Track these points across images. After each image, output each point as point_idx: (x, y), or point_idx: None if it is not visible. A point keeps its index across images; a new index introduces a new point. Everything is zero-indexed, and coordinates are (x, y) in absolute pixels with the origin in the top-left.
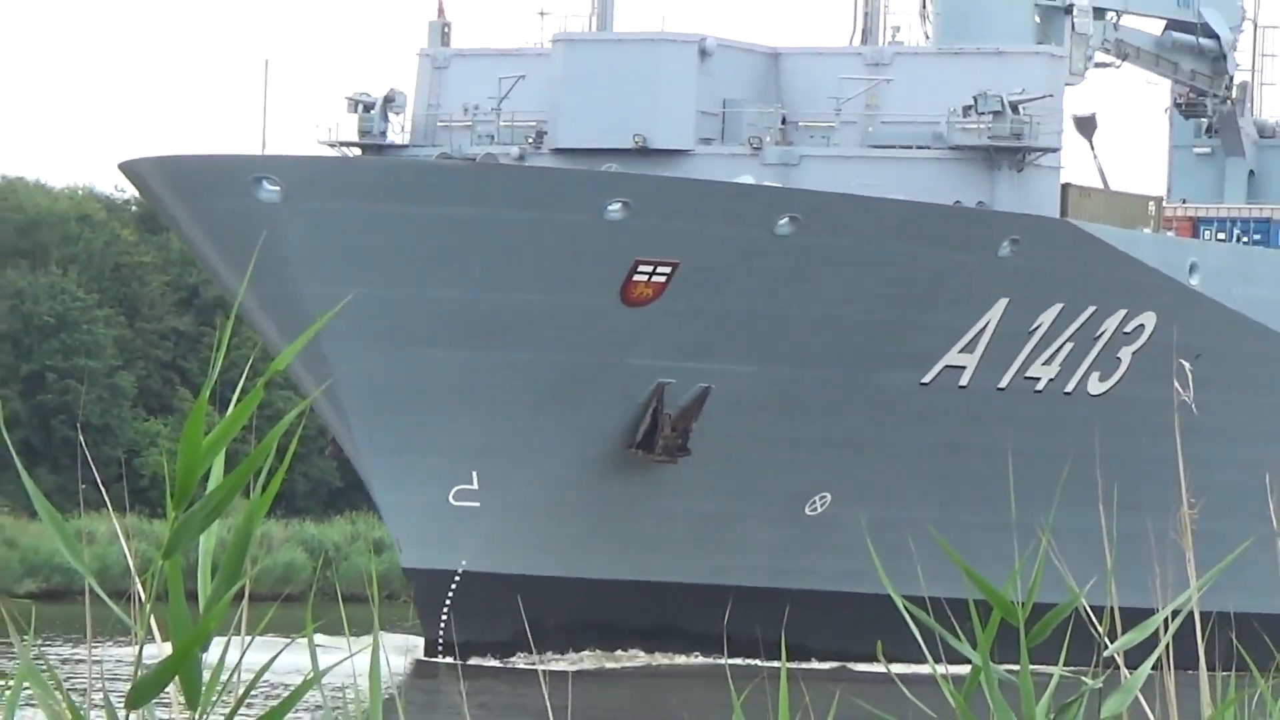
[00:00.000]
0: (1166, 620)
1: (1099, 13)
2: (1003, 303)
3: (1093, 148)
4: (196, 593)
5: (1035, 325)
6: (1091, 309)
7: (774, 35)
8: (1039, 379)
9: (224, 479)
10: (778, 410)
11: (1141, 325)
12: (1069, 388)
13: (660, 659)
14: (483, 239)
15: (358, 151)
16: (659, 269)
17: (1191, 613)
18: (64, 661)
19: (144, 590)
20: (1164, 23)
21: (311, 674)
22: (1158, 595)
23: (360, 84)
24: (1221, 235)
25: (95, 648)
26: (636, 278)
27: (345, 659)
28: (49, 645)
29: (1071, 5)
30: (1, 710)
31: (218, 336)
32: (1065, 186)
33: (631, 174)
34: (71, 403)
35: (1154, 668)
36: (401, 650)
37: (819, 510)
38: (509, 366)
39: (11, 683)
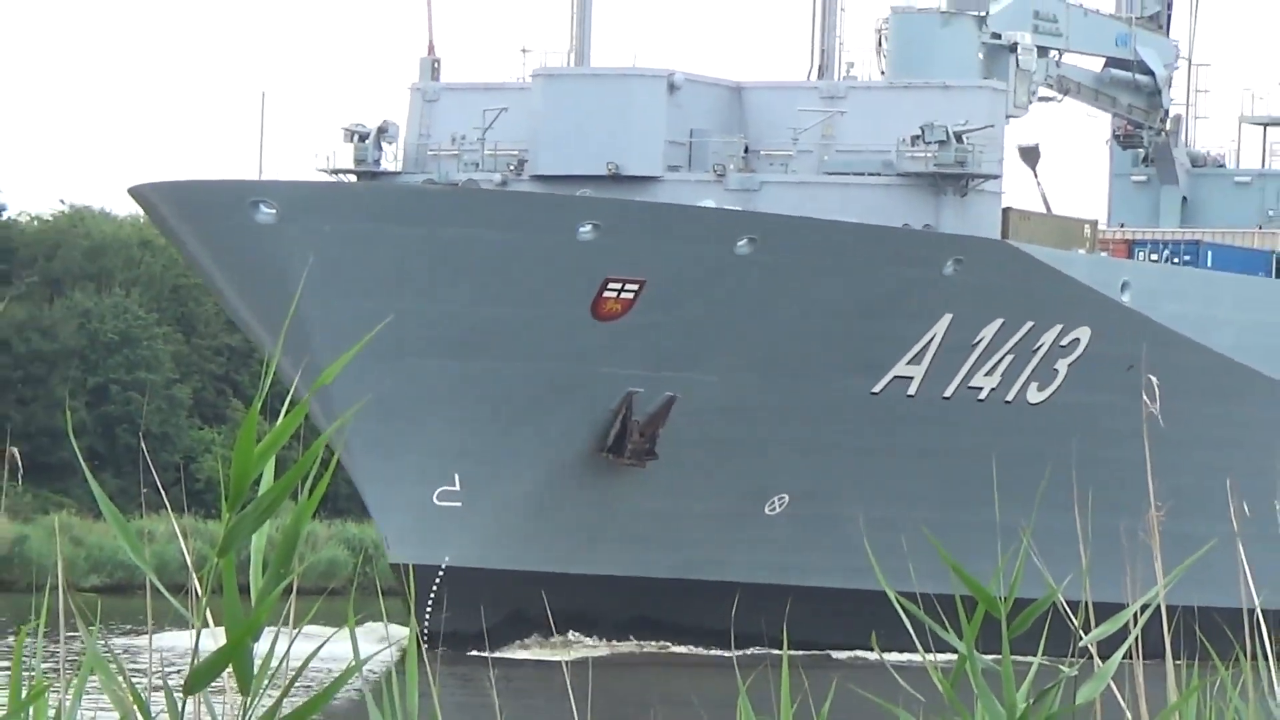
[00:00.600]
0: (1136, 614)
1: (1042, 51)
2: (947, 318)
3: (1036, 175)
4: (249, 587)
5: (978, 339)
6: (1030, 324)
7: (738, 70)
8: (981, 389)
9: (274, 484)
10: (739, 417)
11: (1077, 339)
12: (1009, 397)
13: (629, 647)
14: (464, 258)
15: (354, 178)
16: (627, 286)
17: (1159, 607)
18: (126, 650)
19: (200, 585)
20: (1103, 60)
21: (353, 662)
22: (1128, 591)
23: (355, 115)
24: (1154, 256)
25: (155, 637)
26: (606, 294)
27: (384, 649)
28: (112, 635)
29: (1016, 44)
30: (70, 694)
31: (268, 353)
32: (1006, 210)
33: (601, 198)
34: (133, 413)
35: (1125, 657)
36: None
37: (777, 510)
38: (489, 376)
39: (79, 670)
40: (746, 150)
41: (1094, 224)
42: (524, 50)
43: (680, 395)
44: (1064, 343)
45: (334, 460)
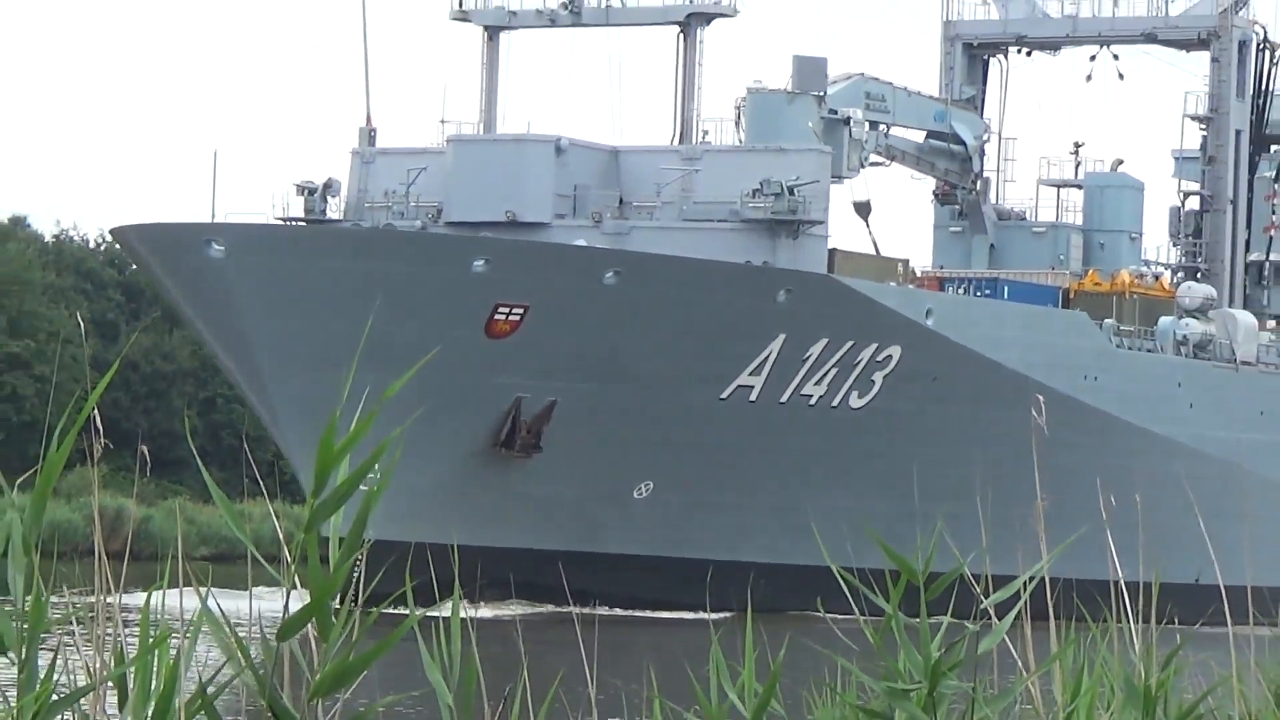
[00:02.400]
0: (1025, 583)
1: (872, 124)
2: (781, 337)
3: (868, 225)
4: (328, 557)
5: (807, 355)
6: (850, 343)
7: (614, 136)
8: (811, 396)
9: (348, 476)
10: (609, 418)
11: (890, 355)
12: (834, 403)
13: (520, 609)
14: (379, 287)
15: (303, 224)
16: (514, 310)
17: (1044, 578)
18: (230, 607)
19: (290, 555)
20: (925, 133)
21: (410, 616)
22: (1020, 565)
23: (303, 171)
24: (962, 290)
25: (254, 598)
26: (497, 317)
27: (430, 610)
28: (219, 595)
29: (849, 118)
30: (187, 640)
31: (349, 371)
32: (832, 250)
33: (491, 238)
34: (235, 420)
35: (1017, 618)
36: None
37: (644, 495)
38: (403, 384)
39: (193, 621)
40: (621, 201)
41: (905, 262)
42: (442, 121)
43: (560, 400)
44: (879, 359)
45: (395, 456)
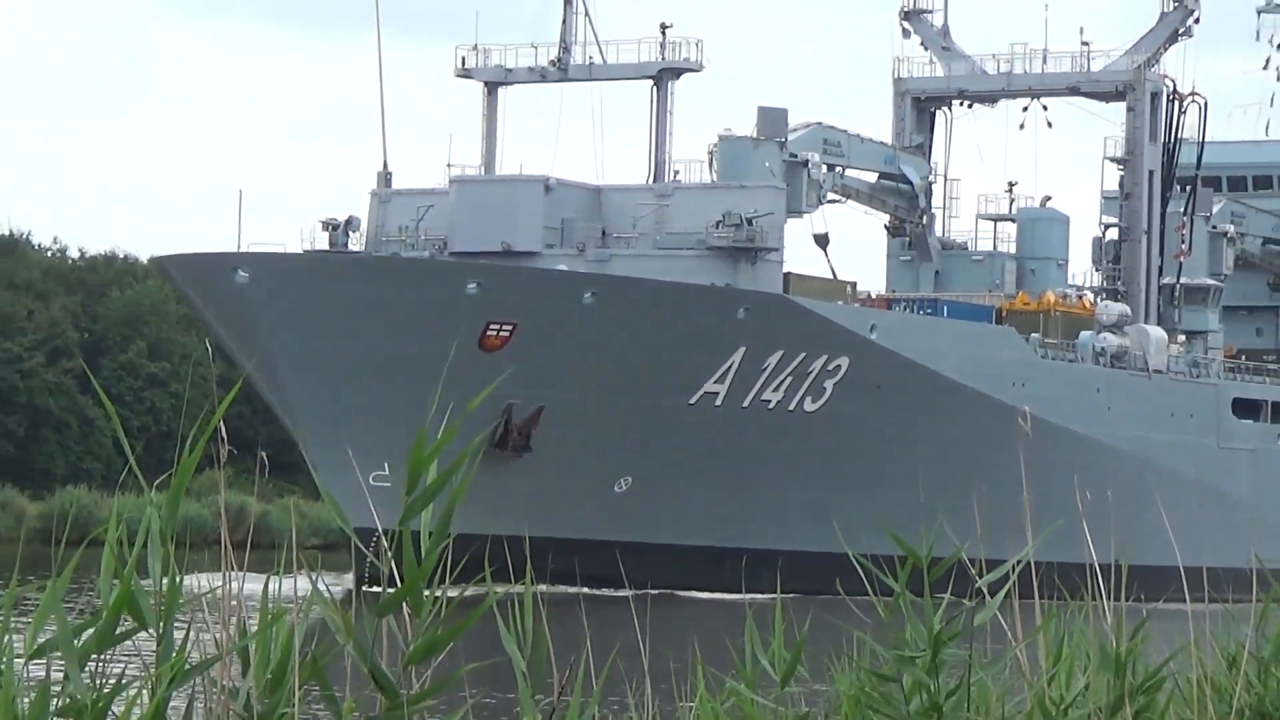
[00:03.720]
0: (1014, 566)
1: (830, 166)
2: (741, 350)
3: (826, 254)
4: (419, 546)
5: (765, 365)
6: (803, 354)
7: (596, 176)
8: (770, 401)
9: (435, 477)
10: (590, 421)
11: (839, 365)
12: (791, 407)
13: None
14: (388, 308)
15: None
16: (504, 327)
17: (1030, 562)
18: (334, 589)
19: (388, 544)
20: (876, 174)
21: (489, 595)
22: (1010, 550)
23: (323, 208)
24: (908, 310)
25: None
26: (489, 333)
27: (507, 590)
28: (327, 580)
29: (807, 161)
30: (301, 616)
31: (437, 389)
32: (787, 274)
33: (483, 264)
34: None
35: (1007, 595)
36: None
37: (624, 488)
38: (406, 393)
39: (306, 601)
40: (603, 233)
41: (853, 284)
42: (449, 165)
43: (547, 406)
44: (829, 368)
45: (477, 459)
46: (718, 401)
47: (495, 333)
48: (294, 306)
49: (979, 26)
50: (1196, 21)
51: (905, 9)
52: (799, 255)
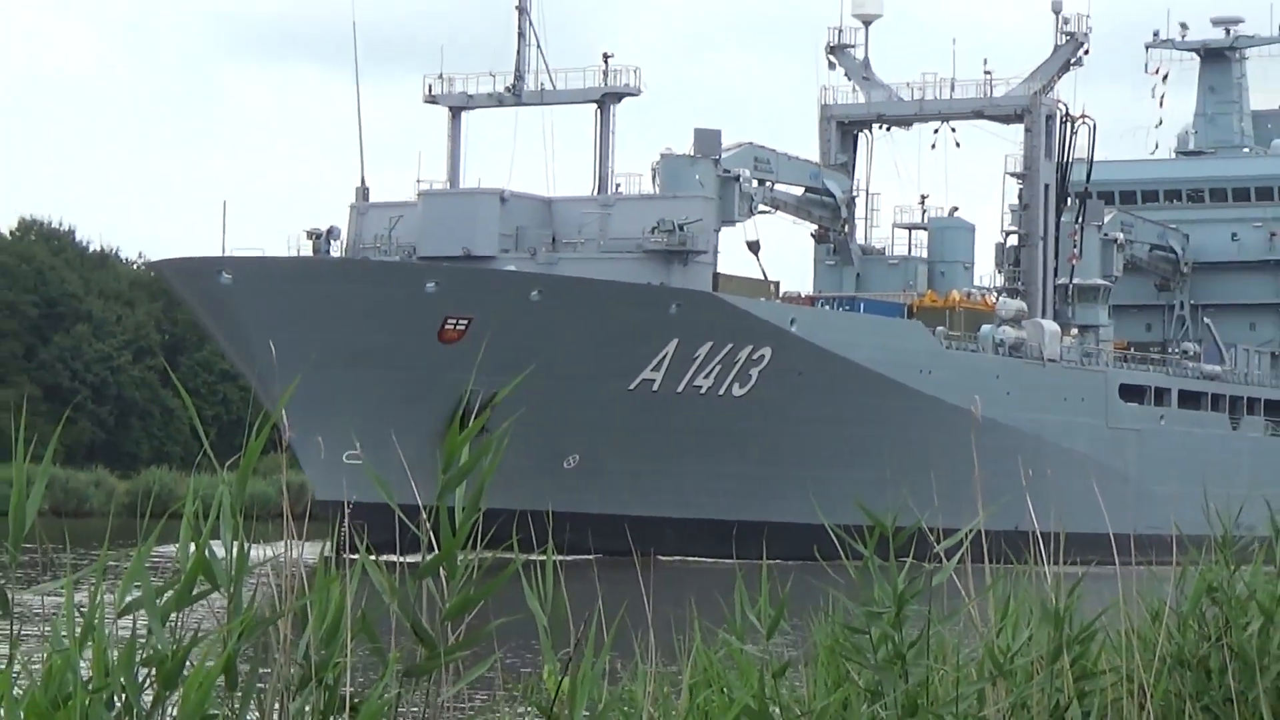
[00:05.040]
0: (967, 534)
1: (760, 181)
2: (674, 341)
3: (758, 259)
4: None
5: (696, 354)
6: (730, 345)
7: (547, 188)
8: (701, 386)
9: (468, 458)
10: (541, 405)
11: (763, 354)
12: (720, 391)
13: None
14: (356, 305)
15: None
16: (460, 321)
17: (980, 530)
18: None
19: (427, 517)
20: (803, 188)
21: (514, 560)
22: (965, 519)
23: (303, 216)
24: (828, 307)
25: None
26: (447, 327)
27: (531, 557)
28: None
29: (739, 176)
30: (353, 585)
31: (468, 385)
32: (716, 274)
33: (441, 266)
34: None
35: (961, 560)
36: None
37: (572, 465)
38: (375, 380)
39: (354, 568)
40: (553, 239)
41: (777, 284)
42: (418, 180)
43: (500, 392)
44: (754, 357)
45: (504, 443)
46: (654, 387)
47: (453, 326)
48: (273, 304)
49: (896, 59)
50: (1086, 53)
51: (831, 44)
52: (735, 259)
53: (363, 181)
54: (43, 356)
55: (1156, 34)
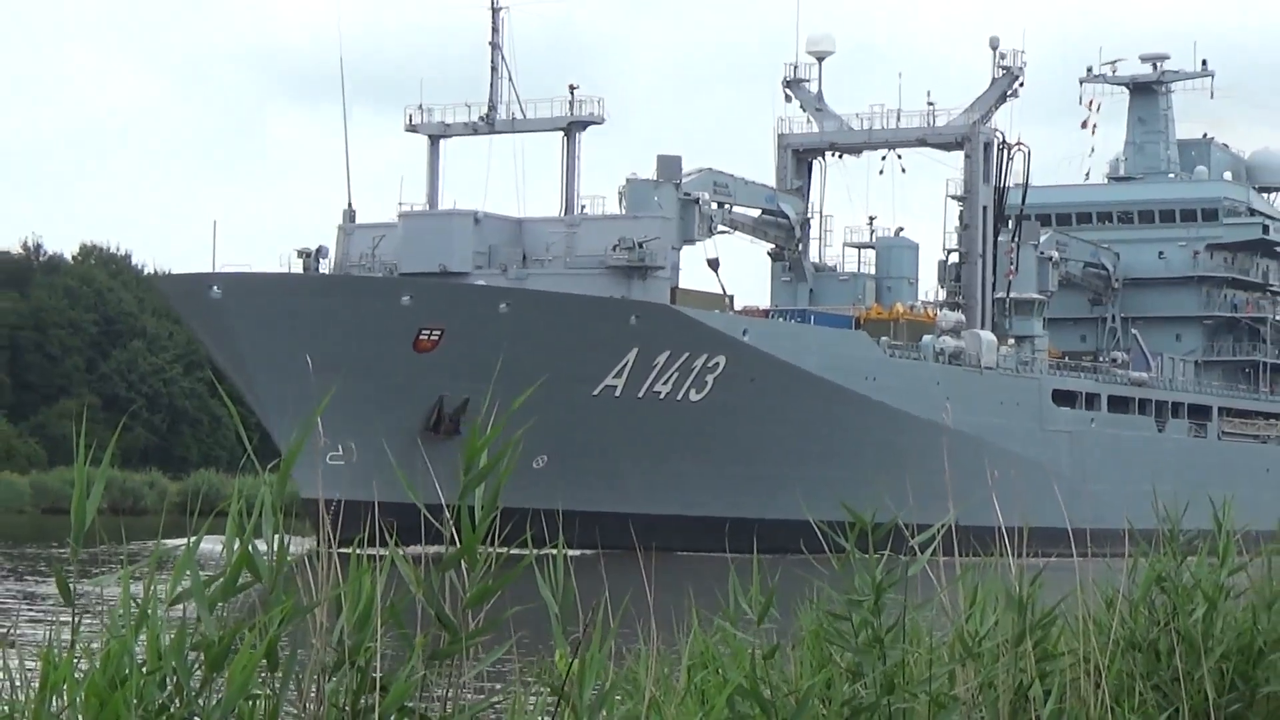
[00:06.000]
0: (939, 529)
1: (719, 203)
2: (635, 350)
3: (718, 275)
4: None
5: (655, 362)
6: (687, 353)
7: (518, 209)
8: (661, 391)
9: (487, 460)
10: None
11: (718, 362)
12: (679, 397)
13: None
14: (336, 317)
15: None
16: (433, 332)
17: (952, 525)
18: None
19: (450, 514)
20: (760, 210)
21: (528, 554)
22: (938, 516)
23: (293, 235)
24: (781, 319)
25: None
26: (421, 337)
27: (536, 552)
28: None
29: (699, 199)
30: (382, 576)
31: (489, 391)
32: (674, 288)
33: (415, 280)
34: None
35: (934, 553)
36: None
37: (541, 465)
38: (357, 387)
39: (383, 562)
40: (524, 256)
41: (731, 297)
42: (400, 203)
43: (471, 397)
44: (710, 365)
45: (518, 448)
46: (617, 393)
47: (426, 337)
48: (260, 316)
49: (847, 92)
50: (1021, 85)
51: (787, 78)
52: (696, 276)
53: (349, 204)
54: (102, 370)
55: (1090, 69)
